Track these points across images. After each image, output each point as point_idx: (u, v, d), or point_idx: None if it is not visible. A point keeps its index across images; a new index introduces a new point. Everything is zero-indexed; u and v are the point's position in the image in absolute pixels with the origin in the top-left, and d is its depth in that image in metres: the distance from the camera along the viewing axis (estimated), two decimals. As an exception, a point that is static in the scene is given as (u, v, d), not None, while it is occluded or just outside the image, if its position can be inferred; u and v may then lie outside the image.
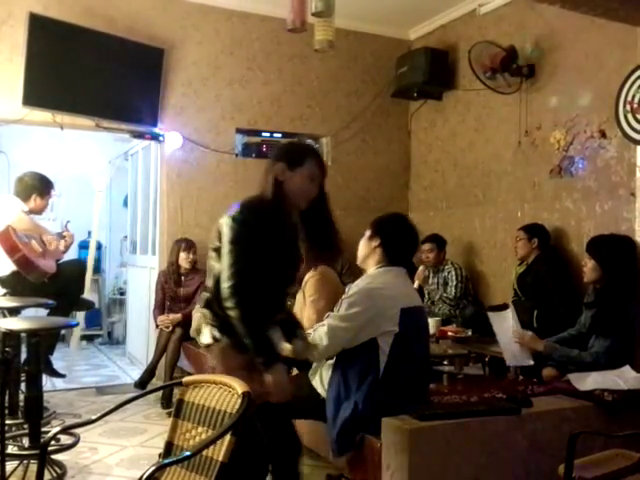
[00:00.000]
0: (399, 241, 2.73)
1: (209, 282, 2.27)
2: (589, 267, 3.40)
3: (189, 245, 4.97)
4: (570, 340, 3.48)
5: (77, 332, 5.85)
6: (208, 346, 2.29)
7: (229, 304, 2.11)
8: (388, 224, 2.76)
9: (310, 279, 3.22)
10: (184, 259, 4.92)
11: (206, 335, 2.28)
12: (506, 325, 3.57)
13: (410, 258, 2.83)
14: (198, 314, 4.84)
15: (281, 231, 2.24)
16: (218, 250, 2.21)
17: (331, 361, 2.70)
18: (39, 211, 4.50)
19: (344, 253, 2.83)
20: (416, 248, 2.85)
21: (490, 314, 3.73)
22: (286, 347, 2.48)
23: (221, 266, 2.17)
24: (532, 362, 3.46)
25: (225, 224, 2.20)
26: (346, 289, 2.70)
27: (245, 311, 2.12)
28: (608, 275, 3.34)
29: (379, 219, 2.80)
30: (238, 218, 2.19)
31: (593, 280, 3.42)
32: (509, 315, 3.59)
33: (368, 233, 2.76)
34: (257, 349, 2.12)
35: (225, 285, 2.13)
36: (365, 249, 2.76)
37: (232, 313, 2.11)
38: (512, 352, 3.50)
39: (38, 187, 4.42)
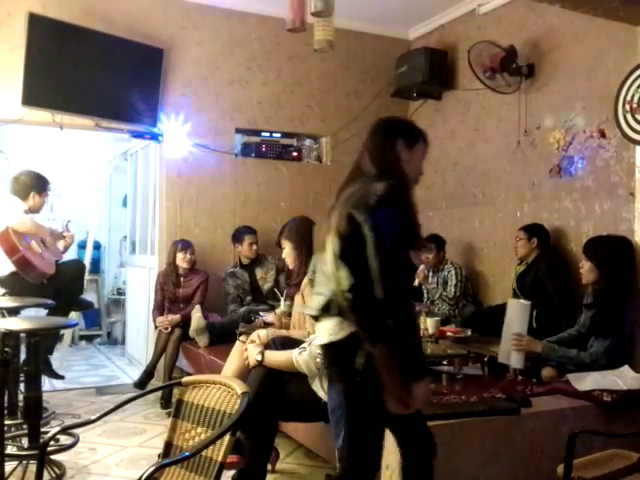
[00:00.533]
0: None
1: (329, 287, 2.01)
2: (586, 269, 3.40)
3: (186, 245, 4.97)
4: (570, 340, 3.47)
5: (68, 332, 5.83)
6: (325, 346, 2.08)
7: (386, 311, 1.88)
8: None
9: (309, 280, 3.20)
10: (181, 259, 4.92)
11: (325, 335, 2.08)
12: (517, 319, 3.52)
13: None
14: (197, 314, 4.88)
15: (415, 216, 2.03)
16: (340, 255, 1.97)
17: None
18: (38, 209, 4.51)
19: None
20: None
21: (510, 300, 3.66)
22: None
23: (340, 270, 1.94)
24: (521, 366, 3.41)
25: (362, 217, 1.93)
26: None
27: (402, 319, 1.90)
28: (605, 276, 3.34)
29: None
30: (381, 208, 1.92)
31: (591, 282, 3.41)
32: (525, 308, 3.52)
33: None
34: (411, 361, 1.94)
35: (379, 289, 1.86)
36: None
37: (390, 321, 1.88)
38: (508, 350, 3.47)
39: (36, 185, 4.42)
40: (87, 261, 5.76)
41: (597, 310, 3.36)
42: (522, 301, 3.54)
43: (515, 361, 3.37)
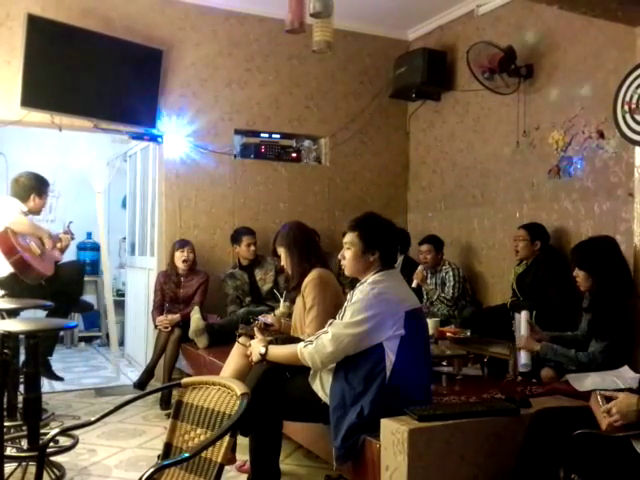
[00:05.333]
0: (394, 247, 2.80)
1: None
2: (581, 277, 3.38)
3: (182, 244, 4.96)
4: (571, 341, 3.47)
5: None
6: None
7: None
8: (379, 234, 2.71)
9: (309, 283, 3.20)
10: (178, 258, 4.90)
11: None
12: (518, 328, 3.57)
13: (397, 253, 2.89)
14: (196, 315, 4.88)
15: None
16: None
17: (331, 365, 2.69)
18: (38, 210, 4.51)
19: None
20: (399, 241, 2.91)
21: (516, 314, 3.69)
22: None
23: None
24: (527, 369, 3.43)
25: None
26: (348, 296, 2.69)
27: None
28: (599, 280, 3.33)
29: (366, 232, 2.69)
30: None
31: (589, 288, 3.40)
32: (522, 317, 3.56)
33: (360, 247, 2.68)
34: None
35: None
36: (360, 263, 2.70)
37: None
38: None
39: (36, 187, 4.43)
40: (104, 263, 5.70)
41: (594, 314, 3.36)
42: (521, 313, 3.60)
43: (521, 363, 3.40)
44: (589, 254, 3.40)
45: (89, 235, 7.24)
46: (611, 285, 3.31)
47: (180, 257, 4.90)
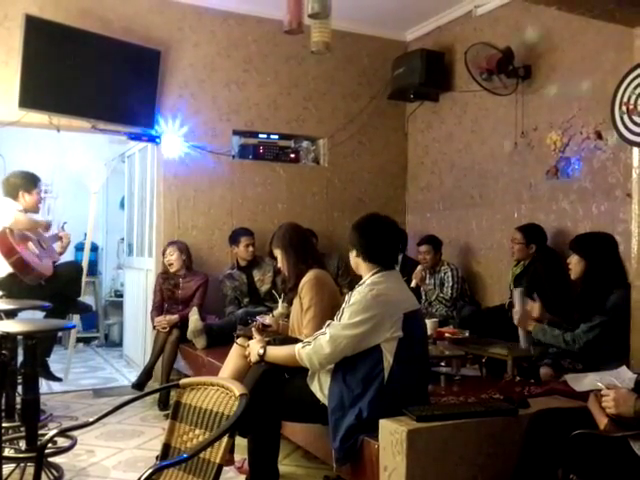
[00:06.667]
0: (376, 246, 2.71)
1: None
2: (574, 262, 3.42)
3: (168, 244, 5.00)
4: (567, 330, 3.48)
5: (73, 334, 5.83)
6: None
7: None
8: (358, 234, 2.75)
9: (305, 284, 3.20)
10: (167, 262, 4.94)
11: None
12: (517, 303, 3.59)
13: (396, 254, 2.85)
14: (195, 316, 4.88)
15: None
16: None
17: (329, 367, 2.69)
18: (32, 208, 4.48)
19: (340, 254, 2.86)
20: (399, 242, 2.86)
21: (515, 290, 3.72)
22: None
23: None
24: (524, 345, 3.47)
25: None
26: (346, 297, 2.69)
27: None
28: (590, 264, 3.36)
29: (353, 228, 2.77)
30: None
31: (579, 274, 3.42)
32: (516, 294, 3.58)
33: (349, 245, 2.80)
34: None
35: None
36: (351, 260, 2.81)
37: None
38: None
39: (23, 184, 4.42)
40: (85, 263, 5.75)
41: (580, 295, 3.38)
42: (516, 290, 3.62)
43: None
44: (586, 240, 3.50)
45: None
46: (601, 270, 3.34)
47: (168, 261, 4.93)
